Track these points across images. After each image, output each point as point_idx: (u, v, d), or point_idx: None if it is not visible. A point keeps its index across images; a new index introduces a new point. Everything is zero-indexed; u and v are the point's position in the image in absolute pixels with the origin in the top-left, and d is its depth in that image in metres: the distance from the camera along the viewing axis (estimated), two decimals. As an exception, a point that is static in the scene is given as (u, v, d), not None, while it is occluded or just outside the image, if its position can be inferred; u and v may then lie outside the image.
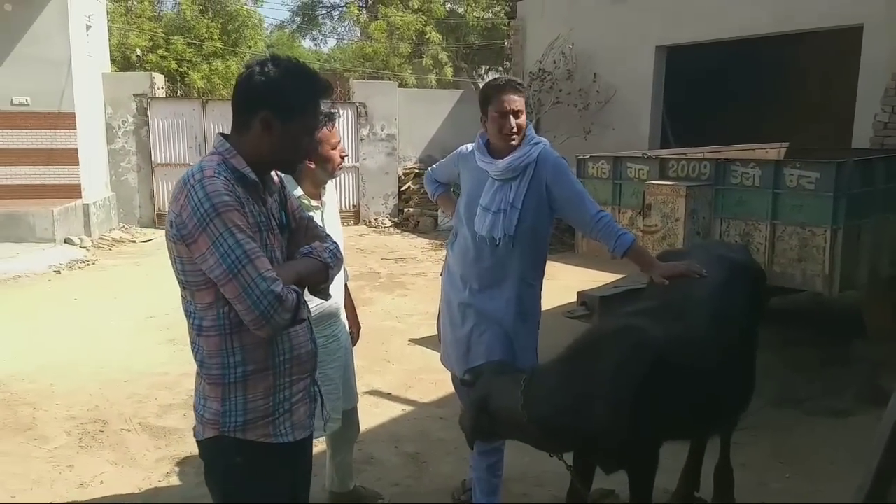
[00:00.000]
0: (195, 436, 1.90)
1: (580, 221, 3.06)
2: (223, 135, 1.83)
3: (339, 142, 2.93)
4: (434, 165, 3.52)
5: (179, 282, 1.81)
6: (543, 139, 3.07)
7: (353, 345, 3.21)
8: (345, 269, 3.00)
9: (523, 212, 2.95)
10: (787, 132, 8.12)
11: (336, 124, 2.91)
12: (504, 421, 2.57)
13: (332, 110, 3.05)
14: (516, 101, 2.92)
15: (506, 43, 13.76)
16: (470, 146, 3.18)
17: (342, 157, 2.94)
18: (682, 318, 2.66)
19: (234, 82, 1.92)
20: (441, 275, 3.39)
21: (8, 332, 6.13)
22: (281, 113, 1.76)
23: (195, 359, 1.87)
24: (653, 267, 2.95)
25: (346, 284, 3.19)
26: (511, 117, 2.91)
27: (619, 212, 5.18)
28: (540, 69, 10.86)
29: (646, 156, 5.30)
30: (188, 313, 1.83)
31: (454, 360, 3.21)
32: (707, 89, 10.48)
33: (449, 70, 17.60)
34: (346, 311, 3.16)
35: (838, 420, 4.25)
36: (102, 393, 4.74)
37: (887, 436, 2.34)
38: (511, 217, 2.94)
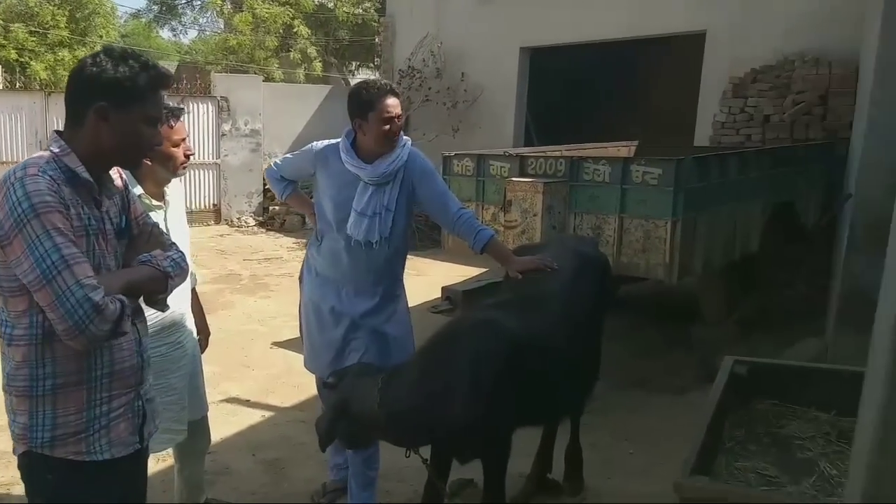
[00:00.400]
0: (14, 452, 1.80)
1: (443, 219, 3.13)
2: (57, 131, 1.73)
3: (185, 139, 2.76)
4: (278, 161, 3.34)
5: None
6: (407, 139, 3.07)
7: (202, 352, 3.05)
8: (192, 274, 2.86)
9: (396, 213, 2.99)
10: (639, 131, 8.67)
11: (181, 120, 2.75)
12: (363, 422, 2.55)
13: (178, 105, 2.89)
14: (398, 106, 2.93)
15: (376, 39, 13.73)
16: (322, 144, 3.09)
17: (187, 156, 2.76)
18: (536, 310, 2.76)
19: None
20: (300, 277, 3.31)
21: None
22: (117, 102, 1.67)
23: (3, 370, 1.73)
24: (509, 262, 3.06)
25: (193, 289, 3.03)
26: (395, 122, 2.90)
27: (483, 208, 5.30)
28: (409, 67, 10.91)
29: (507, 154, 5.45)
30: (0, 322, 1.70)
31: (324, 364, 3.14)
32: (569, 90, 10.97)
33: (318, 65, 17.28)
34: (195, 316, 3.00)
35: (677, 397, 4.58)
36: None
37: (711, 414, 2.54)
38: (386, 220, 2.97)
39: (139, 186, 2.65)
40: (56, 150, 1.68)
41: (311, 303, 3.18)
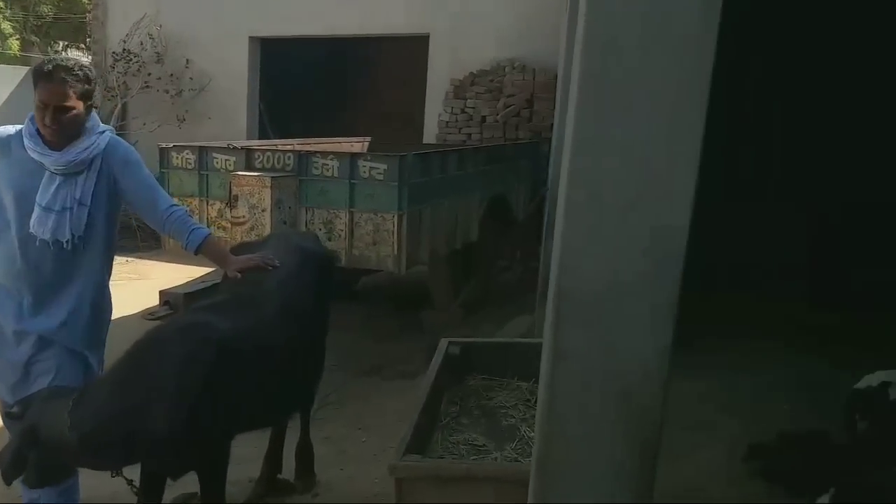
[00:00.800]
0: None
1: (152, 217, 2.84)
2: None
3: None
4: None
5: None
6: (107, 127, 2.75)
7: None
8: None
9: (93, 209, 2.63)
10: (375, 128, 8.92)
11: None
12: (54, 449, 2.26)
13: None
14: (59, 94, 2.49)
15: (87, 17, 12.28)
16: (10, 129, 2.66)
17: None
18: (252, 309, 2.67)
19: None
20: None
21: None
22: None
23: None
24: (227, 262, 2.90)
25: None
26: (51, 111, 2.50)
27: (208, 204, 5.05)
28: (124, 49, 9.94)
29: (231, 146, 5.24)
30: None
31: (6, 390, 2.72)
32: (307, 85, 10.89)
33: (15, 43, 15.03)
34: None
35: (408, 381, 4.79)
36: None
37: (425, 394, 2.71)
38: (79, 216, 2.59)
39: None
40: None
41: None
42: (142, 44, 9.93)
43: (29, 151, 2.58)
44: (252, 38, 9.79)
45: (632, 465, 1.59)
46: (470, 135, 7.96)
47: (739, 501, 3.14)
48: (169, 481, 2.64)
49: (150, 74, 9.81)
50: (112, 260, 2.89)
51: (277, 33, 9.66)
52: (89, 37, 11.47)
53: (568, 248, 1.53)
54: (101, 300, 2.80)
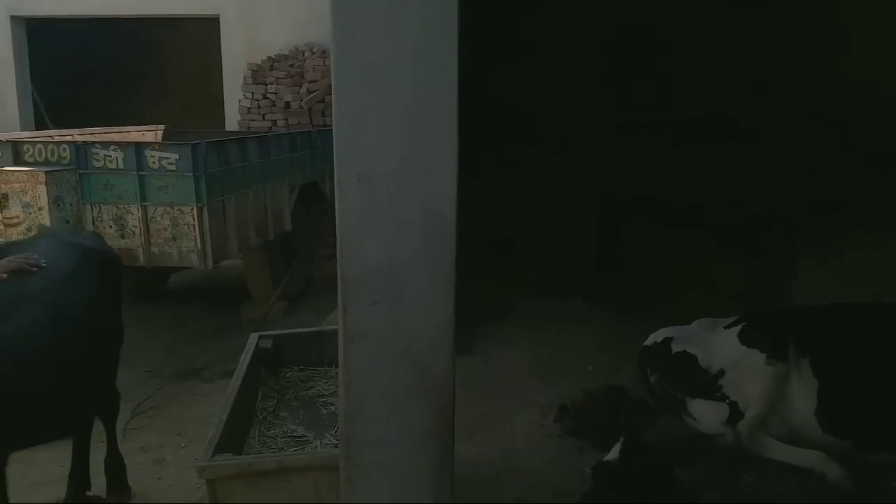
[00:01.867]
0: None
1: None
2: None
3: None
4: None
5: None
6: None
7: None
8: None
9: None
10: (170, 115, 8.35)
11: None
12: None
13: None
14: None
15: None
16: None
17: None
18: (13, 315, 2.45)
19: None
20: None
21: None
22: None
23: None
24: None
25: None
26: None
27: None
28: None
29: (-7, 140, 4.68)
30: None
31: None
32: (89, 69, 9.92)
33: None
34: None
35: (229, 381, 4.64)
36: None
37: (235, 391, 2.66)
38: None
39: None
40: None
41: None
42: None
43: None
44: (15, 18, 8.71)
45: (432, 430, 1.70)
46: (275, 121, 7.74)
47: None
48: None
49: None
50: None
51: (44, 12, 8.68)
52: None
53: (345, 230, 1.59)
54: None
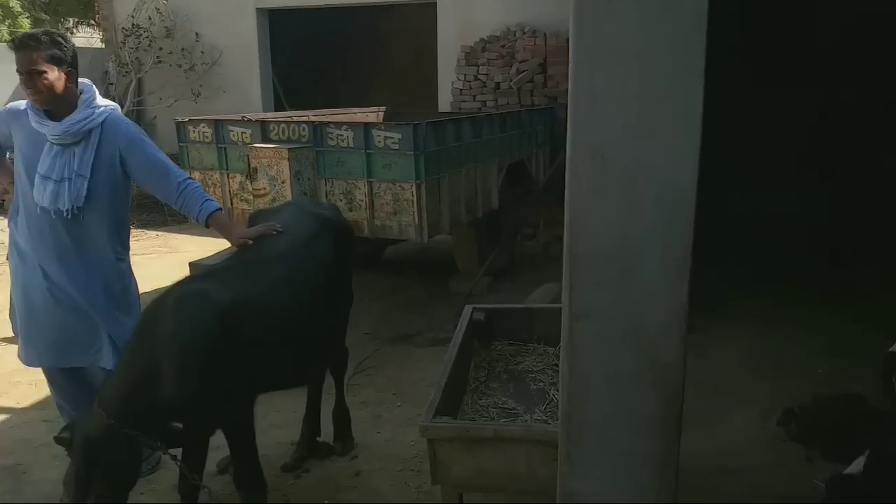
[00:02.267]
0: None
1: (164, 192, 2.95)
2: None
3: None
4: None
5: None
6: (111, 104, 2.86)
7: None
8: None
9: (94, 182, 2.75)
10: (390, 97, 8.90)
11: None
12: (111, 450, 2.32)
13: None
14: (28, 60, 2.64)
15: (96, -7, 12.26)
16: (23, 103, 2.81)
17: None
18: (257, 274, 2.71)
19: None
20: (7, 258, 2.96)
21: None
22: None
23: None
24: (231, 233, 2.98)
25: None
26: (25, 78, 2.64)
27: (229, 176, 5.13)
28: (133, 25, 9.95)
29: (246, 119, 5.29)
30: None
31: (42, 352, 2.88)
32: (319, 55, 10.84)
33: (26, 22, 15.06)
34: None
35: (438, 348, 4.89)
36: None
37: (452, 358, 2.80)
38: (78, 187, 2.73)
39: None
40: None
41: (19, 284, 2.91)
42: (150, 18, 9.93)
43: (32, 122, 2.74)
44: (259, 10, 9.74)
45: (658, 418, 1.66)
46: (485, 102, 7.91)
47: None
48: (213, 445, 2.78)
49: (161, 49, 9.83)
50: (124, 235, 3.00)
51: (284, 4, 9.61)
52: (97, 13, 11.44)
53: (576, 209, 1.58)
54: (112, 274, 2.90)
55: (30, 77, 2.63)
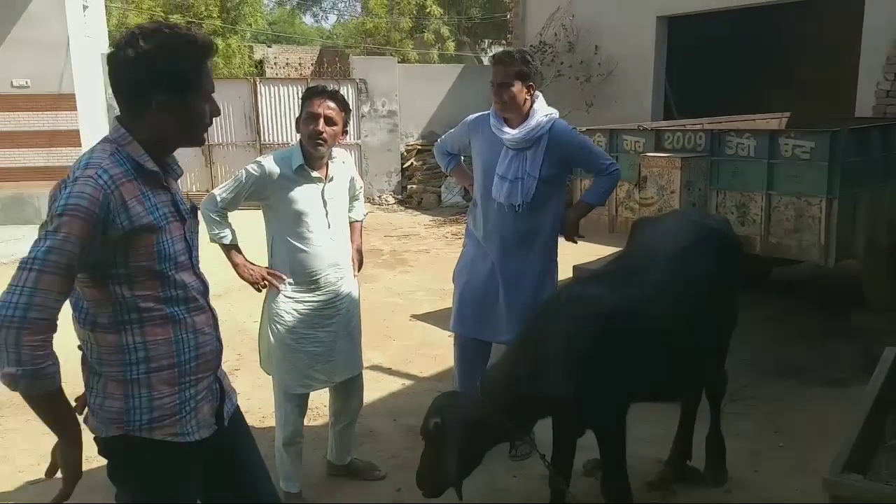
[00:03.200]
0: (93, 430, 1.78)
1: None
2: (118, 118, 1.74)
3: (319, 116, 2.83)
4: (443, 137, 3.64)
5: None
6: (553, 111, 3.23)
7: (358, 270, 3.26)
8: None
9: (540, 181, 3.15)
10: (789, 104, 8.05)
11: (324, 100, 2.90)
12: (475, 430, 2.53)
13: (331, 86, 3.12)
14: (501, 73, 3.12)
15: (508, 16, 13.63)
16: (476, 115, 3.37)
17: (318, 133, 2.83)
18: (640, 282, 2.69)
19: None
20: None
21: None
22: (174, 91, 1.67)
23: (87, 357, 1.78)
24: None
25: (354, 223, 3.26)
26: (495, 88, 3.12)
27: (617, 185, 5.18)
28: (540, 42, 10.75)
29: (641, 128, 5.28)
30: (77, 310, 1.74)
31: (469, 323, 3.35)
32: (711, 60, 10.36)
33: (451, 45, 17.46)
34: (353, 244, 3.21)
35: (834, 390, 4.27)
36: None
37: (868, 408, 2.37)
38: (528, 185, 3.14)
39: (301, 157, 2.89)
40: (117, 139, 1.68)
41: (469, 263, 3.39)
42: (555, 35, 10.62)
43: (493, 129, 3.22)
44: (660, 18, 9.68)
45: None
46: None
47: None
48: (588, 444, 2.84)
49: (562, 63, 10.45)
50: (557, 226, 3.33)
51: (685, 10, 9.37)
52: (510, 33, 12.66)
53: None
54: (549, 260, 3.33)
55: (500, 88, 3.13)
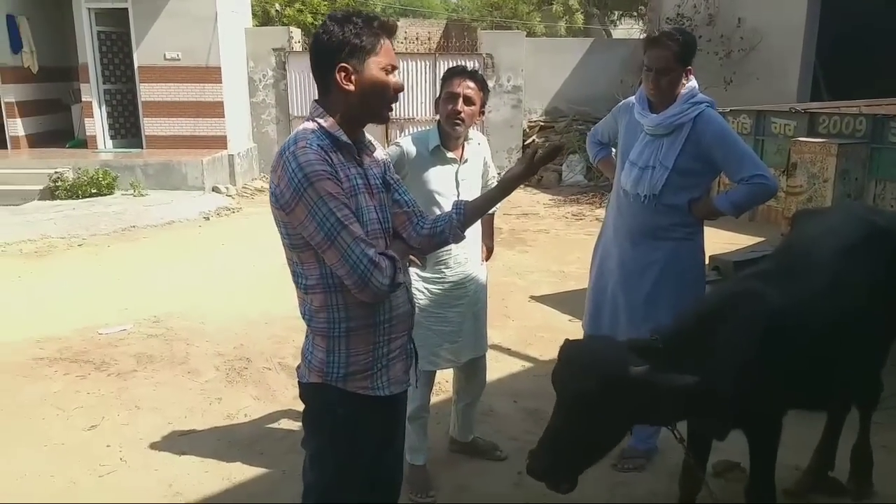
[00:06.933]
0: (299, 377, 2.02)
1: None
2: (316, 100, 1.89)
3: (458, 95, 2.86)
4: (595, 125, 3.50)
5: (285, 245, 1.90)
6: (708, 99, 2.95)
7: (487, 259, 3.29)
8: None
9: (673, 173, 2.90)
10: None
11: (464, 80, 2.91)
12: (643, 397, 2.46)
13: (470, 66, 3.14)
14: (659, 59, 2.84)
15: (642, -14, 13.09)
16: (632, 99, 3.14)
17: (456, 113, 2.86)
18: (803, 280, 2.52)
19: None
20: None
21: (164, 272, 6.76)
22: (353, 60, 1.80)
23: (302, 314, 1.97)
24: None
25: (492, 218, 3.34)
26: (653, 75, 2.85)
27: (765, 201, 4.86)
28: (678, 14, 10.24)
29: (793, 110, 4.92)
30: (295, 273, 1.94)
31: (590, 320, 3.30)
32: (868, 38, 9.47)
33: (580, 17, 16.98)
34: (484, 230, 3.25)
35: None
36: (246, 333, 5.15)
37: None
38: (658, 176, 2.92)
39: (438, 139, 2.93)
40: (316, 116, 1.85)
41: (598, 255, 3.30)
42: (695, 7, 10.08)
43: (635, 112, 3.01)
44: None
45: None
46: None
47: None
48: (715, 445, 2.73)
49: (700, 37, 9.87)
50: (688, 220, 3.05)
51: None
52: (644, 5, 12.14)
53: None
54: (684, 251, 3.02)
55: (657, 75, 2.84)
